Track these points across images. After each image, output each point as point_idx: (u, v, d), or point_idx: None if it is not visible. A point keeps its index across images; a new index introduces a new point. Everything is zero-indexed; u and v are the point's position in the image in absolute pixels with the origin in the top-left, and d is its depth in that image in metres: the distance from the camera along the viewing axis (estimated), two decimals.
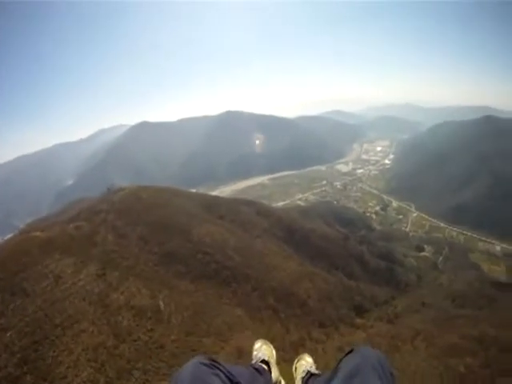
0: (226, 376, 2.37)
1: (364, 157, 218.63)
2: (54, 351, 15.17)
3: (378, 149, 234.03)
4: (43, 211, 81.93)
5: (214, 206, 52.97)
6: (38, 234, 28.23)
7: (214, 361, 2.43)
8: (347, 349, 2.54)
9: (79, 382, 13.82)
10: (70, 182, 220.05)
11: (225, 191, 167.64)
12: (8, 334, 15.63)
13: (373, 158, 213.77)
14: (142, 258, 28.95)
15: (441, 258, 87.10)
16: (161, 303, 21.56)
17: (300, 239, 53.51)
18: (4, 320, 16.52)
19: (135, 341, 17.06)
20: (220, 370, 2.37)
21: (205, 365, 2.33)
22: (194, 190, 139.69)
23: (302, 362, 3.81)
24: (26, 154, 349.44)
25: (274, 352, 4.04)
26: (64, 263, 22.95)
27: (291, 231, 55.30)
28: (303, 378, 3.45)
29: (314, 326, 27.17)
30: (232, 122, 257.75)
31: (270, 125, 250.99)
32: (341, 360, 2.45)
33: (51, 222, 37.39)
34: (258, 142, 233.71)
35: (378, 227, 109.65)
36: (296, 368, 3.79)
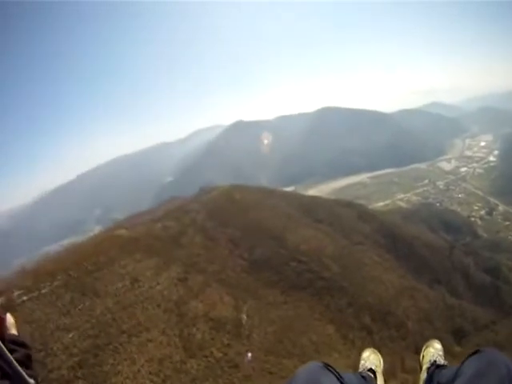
0: (338, 380, 2.27)
1: (467, 153, 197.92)
2: (115, 359, 13.69)
3: (482, 144, 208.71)
4: (142, 207, 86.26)
5: (312, 208, 49.34)
6: (122, 232, 27.81)
7: (328, 365, 2.32)
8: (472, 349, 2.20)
9: None
10: (169, 180, 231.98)
11: (323, 190, 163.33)
12: (70, 335, 14.49)
13: (477, 154, 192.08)
14: (229, 263, 27.51)
15: None
16: (243, 316, 19.51)
17: (403, 247, 48.04)
18: (69, 320, 15.43)
19: (206, 357, 15.07)
20: (333, 374, 2.27)
21: (320, 367, 2.26)
22: (292, 188, 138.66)
23: (430, 349, 3.42)
24: (128, 154, 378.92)
25: (381, 361, 3.75)
26: (144, 265, 21.83)
27: (394, 238, 49.94)
28: (428, 368, 3.13)
29: (408, 351, 23.33)
30: (329, 119, 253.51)
31: (368, 120, 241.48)
32: (464, 361, 2.18)
33: (139, 221, 37.47)
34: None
35: (484, 234, 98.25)
36: (423, 356, 3.42)
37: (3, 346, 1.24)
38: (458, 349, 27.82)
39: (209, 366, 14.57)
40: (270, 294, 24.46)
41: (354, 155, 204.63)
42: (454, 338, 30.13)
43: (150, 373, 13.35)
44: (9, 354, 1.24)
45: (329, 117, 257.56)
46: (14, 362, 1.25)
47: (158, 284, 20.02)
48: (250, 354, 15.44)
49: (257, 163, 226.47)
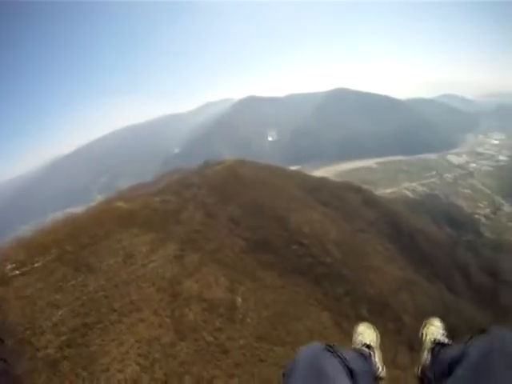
0: (341, 361, 2.26)
1: (478, 149, 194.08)
2: (103, 339, 13.33)
3: (494, 142, 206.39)
4: (147, 177, 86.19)
5: (317, 190, 48.17)
6: (120, 204, 27.30)
7: (330, 346, 2.35)
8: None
9: (120, 379, 11.76)
10: (177, 151, 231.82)
11: (330, 171, 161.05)
12: (59, 313, 14.15)
13: (488, 151, 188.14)
14: (228, 242, 26.62)
15: None
16: (238, 298, 19.08)
17: (406, 238, 47.37)
18: (60, 296, 15.05)
19: (197, 340, 14.69)
20: (336, 356, 2.26)
21: (323, 349, 2.25)
22: (298, 167, 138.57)
23: (431, 327, 3.55)
24: (138, 123, 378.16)
25: (378, 336, 3.72)
26: (140, 240, 21.37)
27: (397, 228, 49.29)
28: (431, 347, 3.13)
29: (402, 346, 22.98)
30: (341, 100, 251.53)
31: (380, 105, 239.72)
32: (471, 340, 2.25)
33: (139, 192, 37.01)
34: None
35: (487, 233, 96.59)
36: (423, 335, 3.48)
37: None
38: None
39: (198, 350, 14.18)
40: (267, 277, 23.83)
41: (363, 139, 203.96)
42: (448, 336, 29.61)
43: (139, 355, 12.98)
44: None
45: (341, 98, 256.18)
46: None
47: (153, 261, 19.60)
48: None
49: (265, 139, 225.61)
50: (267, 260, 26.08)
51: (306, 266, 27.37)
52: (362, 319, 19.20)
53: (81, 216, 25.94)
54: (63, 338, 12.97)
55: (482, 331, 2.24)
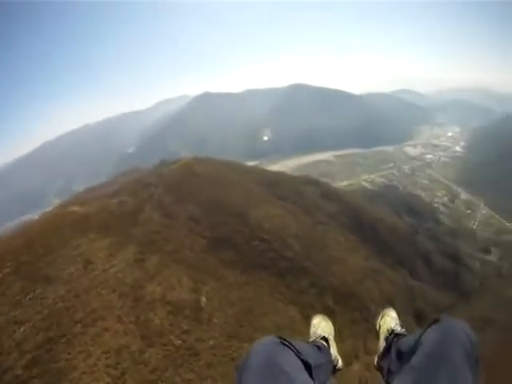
0: (296, 355, 2.19)
1: (434, 141, 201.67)
2: (69, 353, 12.80)
3: (449, 134, 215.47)
4: (103, 178, 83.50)
5: (276, 185, 48.78)
6: (75, 209, 26.37)
7: (284, 339, 2.23)
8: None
9: None
10: (131, 150, 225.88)
11: (287, 165, 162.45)
12: (21, 330, 13.55)
13: (443, 143, 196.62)
14: (188, 241, 25.96)
15: (507, 266, 74.52)
16: (203, 298, 18.71)
17: (367, 229, 48.39)
18: (20, 311, 14.45)
19: (165, 345, 14.37)
20: (291, 350, 2.18)
21: (277, 344, 2.15)
22: (256, 163, 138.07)
23: (387, 318, 3.60)
24: (92, 123, 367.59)
25: (333, 329, 3.78)
26: (98, 245, 20.67)
27: (358, 219, 50.39)
28: (387, 337, 3.23)
29: (371, 333, 23.41)
30: (298, 95, 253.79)
31: (337, 99, 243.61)
32: (425, 330, 2.23)
33: (95, 194, 35.91)
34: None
35: (446, 221, 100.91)
36: (380, 326, 3.58)
37: None
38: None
39: (168, 355, 13.90)
40: (230, 275, 23.58)
41: (320, 133, 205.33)
42: (415, 320, 30.62)
43: (108, 366, 12.59)
44: None
45: (298, 93, 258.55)
46: None
47: (113, 266, 19.00)
48: None
49: (222, 135, 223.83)
50: (229, 257, 25.75)
51: (268, 261, 27.22)
52: (329, 310, 19.54)
53: (35, 223, 25.04)
54: (29, 356, 12.44)
55: (435, 321, 2.27)
